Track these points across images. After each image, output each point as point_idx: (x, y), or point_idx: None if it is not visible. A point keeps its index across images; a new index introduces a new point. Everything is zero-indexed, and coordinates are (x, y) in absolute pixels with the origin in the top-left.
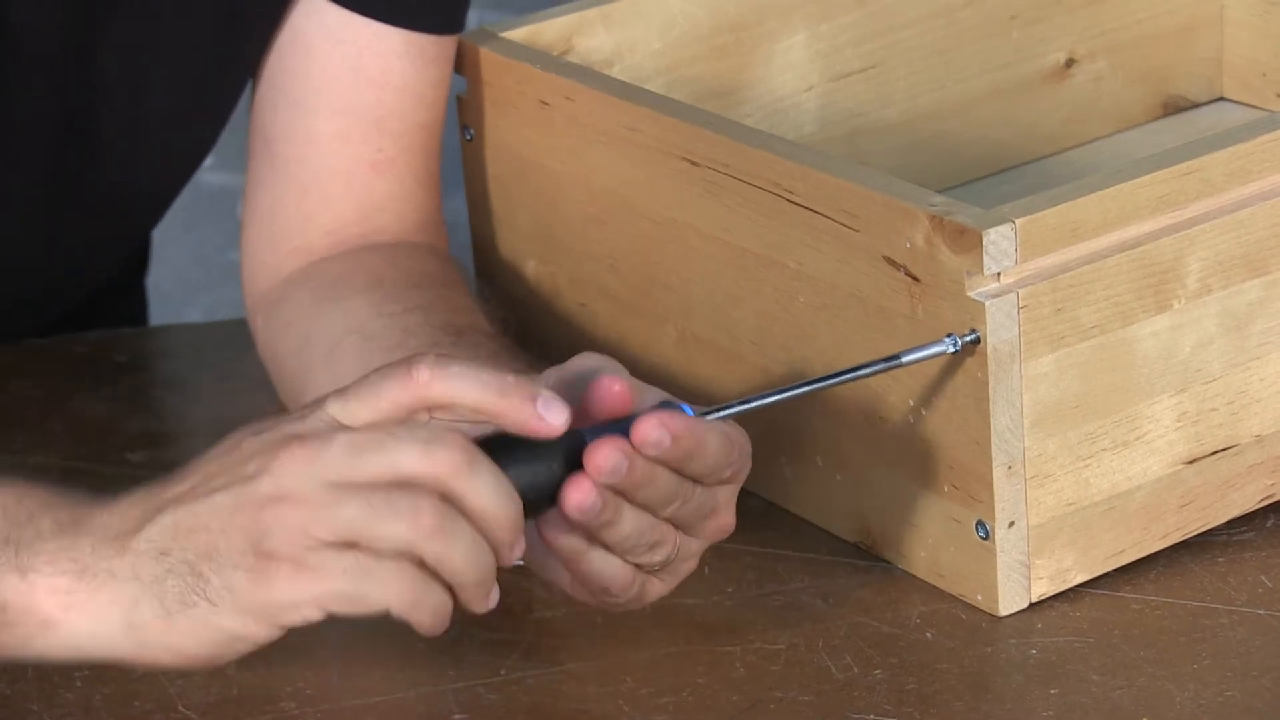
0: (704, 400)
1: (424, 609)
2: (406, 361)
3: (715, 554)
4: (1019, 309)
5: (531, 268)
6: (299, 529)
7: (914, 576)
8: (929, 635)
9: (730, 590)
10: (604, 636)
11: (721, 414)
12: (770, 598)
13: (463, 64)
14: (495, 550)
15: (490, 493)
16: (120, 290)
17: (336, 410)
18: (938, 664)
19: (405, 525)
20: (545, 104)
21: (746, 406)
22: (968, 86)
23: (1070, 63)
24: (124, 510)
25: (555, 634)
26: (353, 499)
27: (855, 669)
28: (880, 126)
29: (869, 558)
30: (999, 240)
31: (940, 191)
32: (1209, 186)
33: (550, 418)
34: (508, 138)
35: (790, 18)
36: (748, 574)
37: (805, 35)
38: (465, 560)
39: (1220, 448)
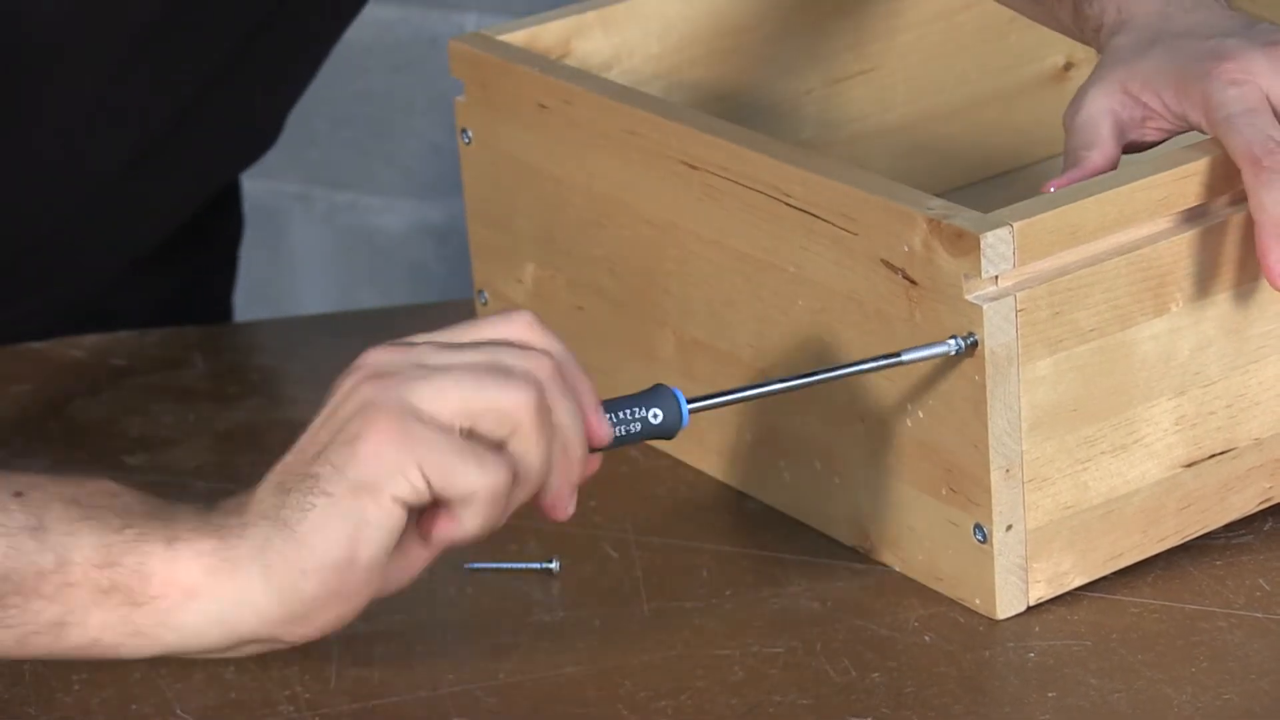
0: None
1: (500, 499)
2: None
3: (714, 558)
4: (1017, 312)
5: (530, 271)
6: (397, 395)
7: (912, 580)
8: (927, 639)
9: (728, 593)
10: (602, 640)
11: (717, 402)
12: (768, 601)
13: (461, 67)
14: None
15: (580, 385)
16: (204, 300)
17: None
18: (936, 667)
19: (515, 391)
20: (544, 107)
21: (742, 395)
22: (966, 90)
23: (1069, 66)
24: (248, 490)
25: (553, 637)
26: (458, 366)
27: (853, 672)
28: (879, 130)
29: (867, 561)
30: (997, 243)
31: (938, 195)
32: (1207, 190)
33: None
34: (506, 141)
35: (789, 21)
36: (746, 577)
37: (804, 39)
38: (571, 429)
39: (1218, 451)
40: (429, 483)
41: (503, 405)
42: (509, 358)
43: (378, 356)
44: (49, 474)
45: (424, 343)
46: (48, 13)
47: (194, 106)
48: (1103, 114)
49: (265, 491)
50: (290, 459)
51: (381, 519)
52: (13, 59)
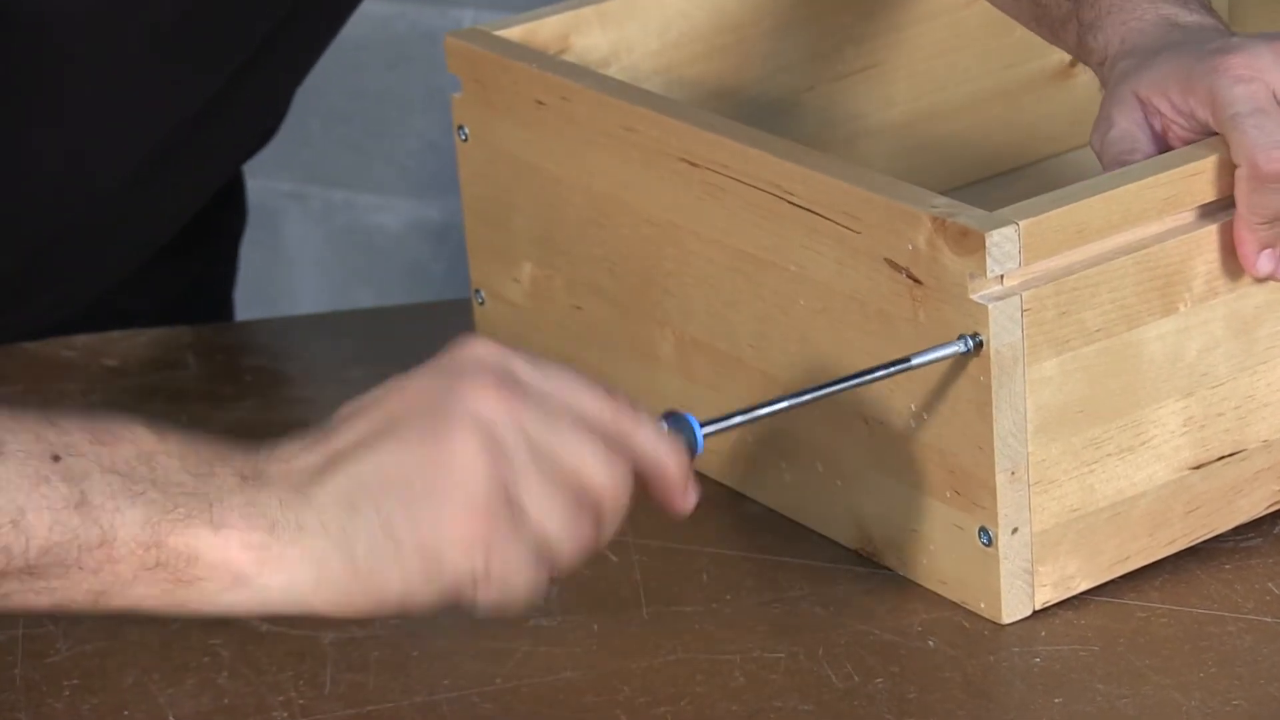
0: (706, 409)
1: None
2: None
3: (713, 561)
4: (1022, 312)
5: (528, 270)
6: (502, 478)
7: (916, 584)
8: (931, 643)
9: (729, 598)
10: (601, 645)
11: (727, 425)
12: (769, 605)
13: (458, 63)
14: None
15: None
16: (208, 293)
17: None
18: (940, 673)
19: (593, 531)
20: (541, 104)
21: (753, 416)
22: (970, 87)
23: (1074, 63)
24: (300, 459)
25: (551, 642)
26: (565, 477)
27: (856, 678)
28: (881, 127)
29: (870, 565)
30: (1002, 242)
31: (943, 193)
32: (1215, 188)
33: (688, 505)
34: (503, 138)
35: (790, 16)
36: (746, 581)
37: (805, 35)
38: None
39: (1227, 453)
40: (488, 572)
41: (581, 540)
42: (601, 479)
43: (496, 401)
44: (77, 421)
45: (537, 402)
46: (73, 9)
47: (216, 103)
48: (1136, 125)
49: (330, 496)
50: (367, 469)
51: (436, 589)
52: (39, 53)
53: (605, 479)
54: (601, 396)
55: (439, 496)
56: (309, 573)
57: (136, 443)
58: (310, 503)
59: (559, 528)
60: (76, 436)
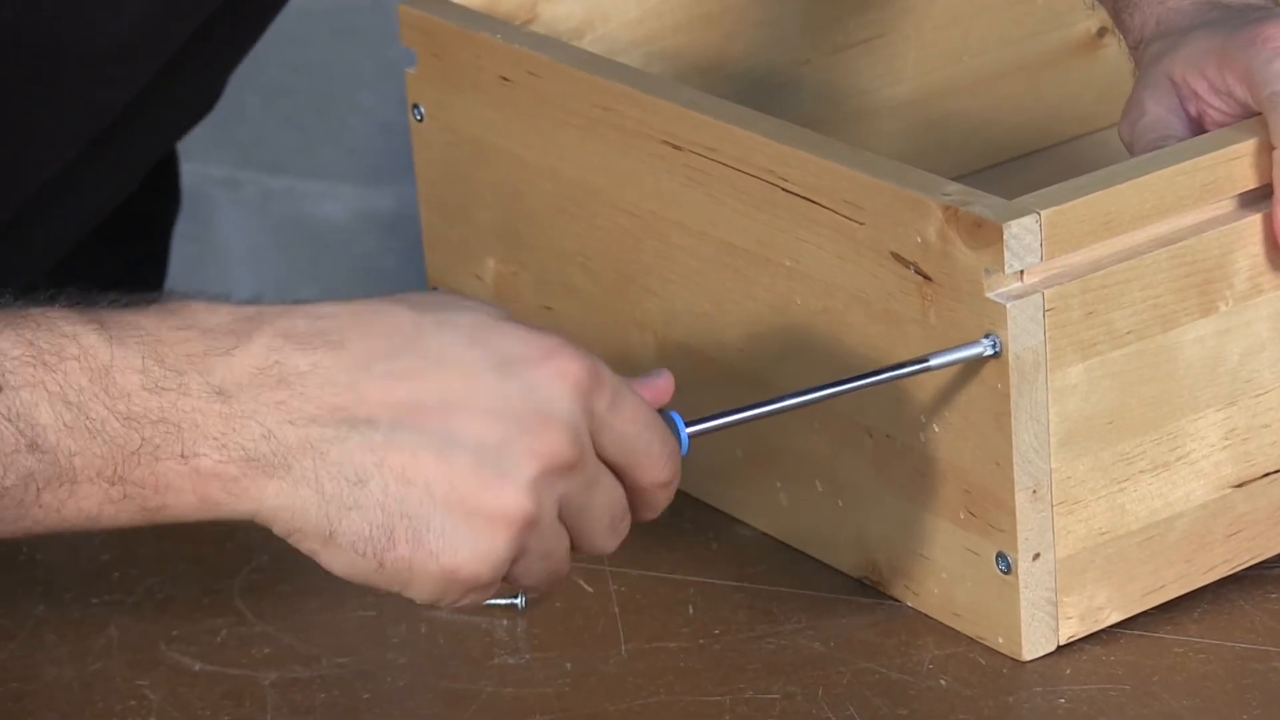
0: (694, 411)
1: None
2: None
3: (701, 592)
4: (1045, 312)
5: (491, 266)
6: (494, 571)
7: (926, 616)
8: (943, 683)
9: (718, 632)
10: (574, 686)
11: (721, 424)
12: (763, 640)
13: (413, 34)
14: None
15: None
16: (139, 287)
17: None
18: (953, 715)
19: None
20: (507, 80)
21: (749, 415)
22: (986, 60)
23: (1102, 32)
24: (306, 386)
25: (518, 682)
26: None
27: None
28: (887, 105)
29: (875, 595)
30: (1022, 234)
31: (955, 179)
32: (1257, 173)
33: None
34: (464, 119)
35: None
36: (738, 614)
37: (801, 1)
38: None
39: (1273, 469)
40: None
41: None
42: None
43: (561, 477)
44: (14, 332)
45: (589, 477)
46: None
47: (150, 89)
48: (1170, 111)
49: (339, 457)
50: (411, 467)
51: (387, 587)
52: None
53: (611, 543)
54: (664, 456)
55: (459, 539)
56: (281, 510)
57: (87, 357)
58: (309, 448)
59: (534, 582)
60: (16, 356)
